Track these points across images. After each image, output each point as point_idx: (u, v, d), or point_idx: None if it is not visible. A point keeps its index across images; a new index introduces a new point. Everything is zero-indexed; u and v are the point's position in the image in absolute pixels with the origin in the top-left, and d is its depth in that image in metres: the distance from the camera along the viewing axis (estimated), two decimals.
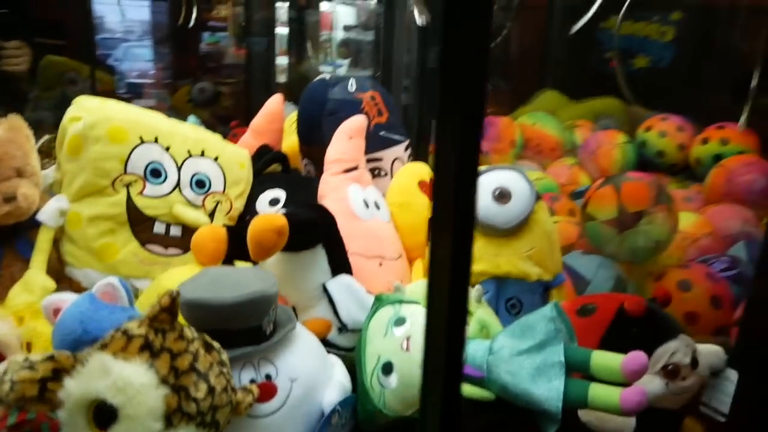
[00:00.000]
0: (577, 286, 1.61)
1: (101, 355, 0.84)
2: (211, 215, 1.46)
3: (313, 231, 1.21)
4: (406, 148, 1.71)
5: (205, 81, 2.90)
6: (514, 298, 1.34)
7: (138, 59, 4.36)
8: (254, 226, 1.12)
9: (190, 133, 1.49)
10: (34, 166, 1.38)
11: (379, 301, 1.12)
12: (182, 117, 1.79)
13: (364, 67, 4.26)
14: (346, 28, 4.33)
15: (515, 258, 1.34)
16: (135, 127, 1.39)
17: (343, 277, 1.25)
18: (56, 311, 1.12)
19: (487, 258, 1.35)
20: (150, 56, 4.35)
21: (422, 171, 1.58)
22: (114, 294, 1.10)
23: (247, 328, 1.00)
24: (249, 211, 1.53)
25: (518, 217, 1.33)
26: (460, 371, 0.56)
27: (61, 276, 1.39)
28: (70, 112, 1.51)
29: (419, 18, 1.09)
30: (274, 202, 1.53)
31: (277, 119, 1.87)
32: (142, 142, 1.38)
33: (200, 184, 1.45)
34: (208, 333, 0.96)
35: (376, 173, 1.64)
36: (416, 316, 1.05)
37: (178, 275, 1.23)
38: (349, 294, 1.23)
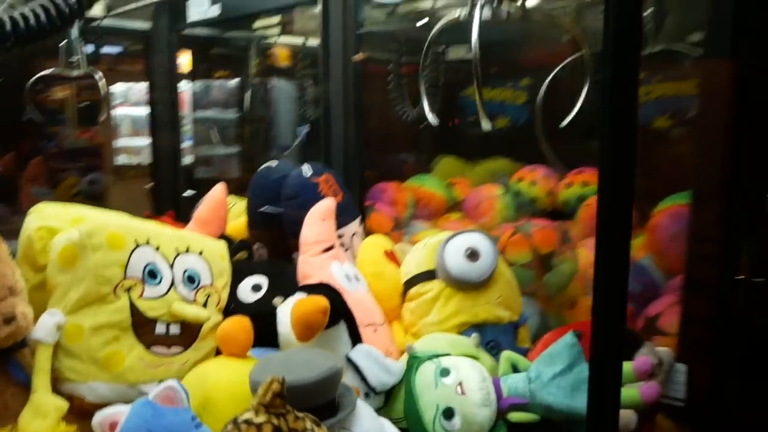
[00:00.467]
0: None
1: None
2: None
3: (342, 307, 1.34)
4: (360, 222, 1.89)
5: (96, 172, 2.78)
6: (493, 340, 1.58)
7: None
8: (301, 310, 1.23)
9: (171, 231, 1.53)
10: (21, 282, 1.32)
11: (417, 359, 1.28)
12: None
13: (228, 143, 4.34)
14: None
15: (489, 306, 1.59)
16: (129, 231, 1.40)
17: (362, 346, 1.39)
18: (112, 426, 1.11)
19: (466, 310, 1.58)
20: None
21: (384, 242, 1.78)
22: (175, 396, 1.13)
23: (327, 401, 1.11)
24: (232, 300, 1.59)
25: (488, 271, 1.59)
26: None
27: None
28: (35, 223, 1.46)
29: (486, 123, 1.28)
30: (256, 288, 1.60)
31: (221, 207, 1.93)
32: (138, 245, 1.40)
33: (191, 279, 1.49)
34: None
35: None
36: (459, 365, 1.24)
37: (219, 368, 1.28)
38: (372, 360, 1.37)
